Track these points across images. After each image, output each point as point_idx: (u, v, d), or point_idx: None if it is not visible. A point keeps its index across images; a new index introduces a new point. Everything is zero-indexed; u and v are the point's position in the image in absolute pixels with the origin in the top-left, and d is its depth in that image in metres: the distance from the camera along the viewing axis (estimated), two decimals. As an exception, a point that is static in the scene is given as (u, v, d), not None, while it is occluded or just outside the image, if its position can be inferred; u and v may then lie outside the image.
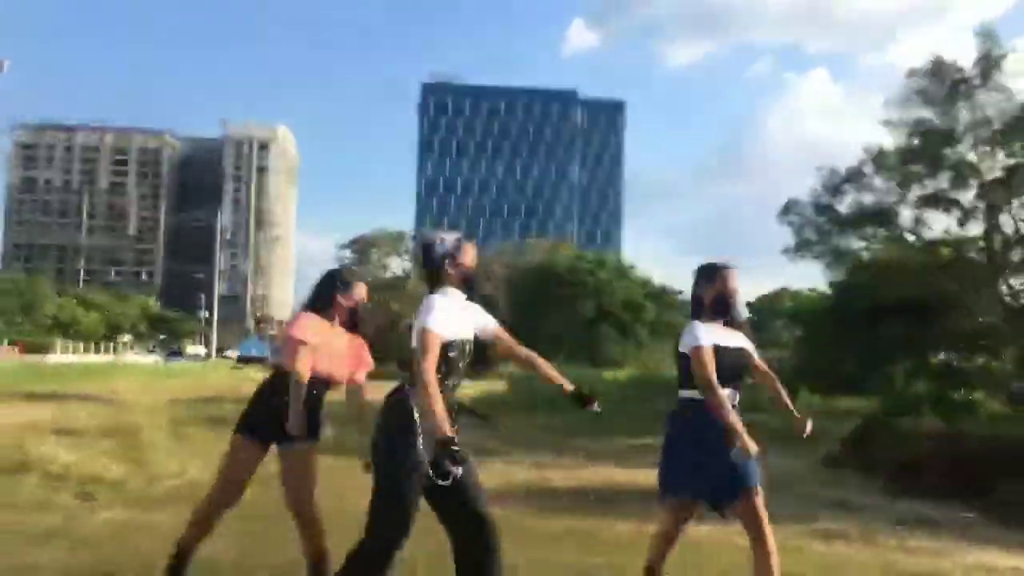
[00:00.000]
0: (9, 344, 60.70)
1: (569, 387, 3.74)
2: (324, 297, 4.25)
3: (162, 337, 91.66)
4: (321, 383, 4.16)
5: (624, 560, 5.01)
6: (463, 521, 3.41)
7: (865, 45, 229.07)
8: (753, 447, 3.66)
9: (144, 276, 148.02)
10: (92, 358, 54.03)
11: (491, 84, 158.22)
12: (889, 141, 19.36)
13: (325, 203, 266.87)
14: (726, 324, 4.02)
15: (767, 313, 68.06)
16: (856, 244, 20.58)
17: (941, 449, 9.87)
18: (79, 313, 79.65)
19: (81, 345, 70.03)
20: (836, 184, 19.65)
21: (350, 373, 4.26)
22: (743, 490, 3.79)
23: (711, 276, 4.05)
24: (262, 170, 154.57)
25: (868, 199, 19.51)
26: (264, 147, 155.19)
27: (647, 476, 8.39)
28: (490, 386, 27.98)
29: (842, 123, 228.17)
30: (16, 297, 74.55)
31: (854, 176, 19.37)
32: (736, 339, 4.00)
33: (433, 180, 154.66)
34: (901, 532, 6.67)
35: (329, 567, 4.01)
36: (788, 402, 4.13)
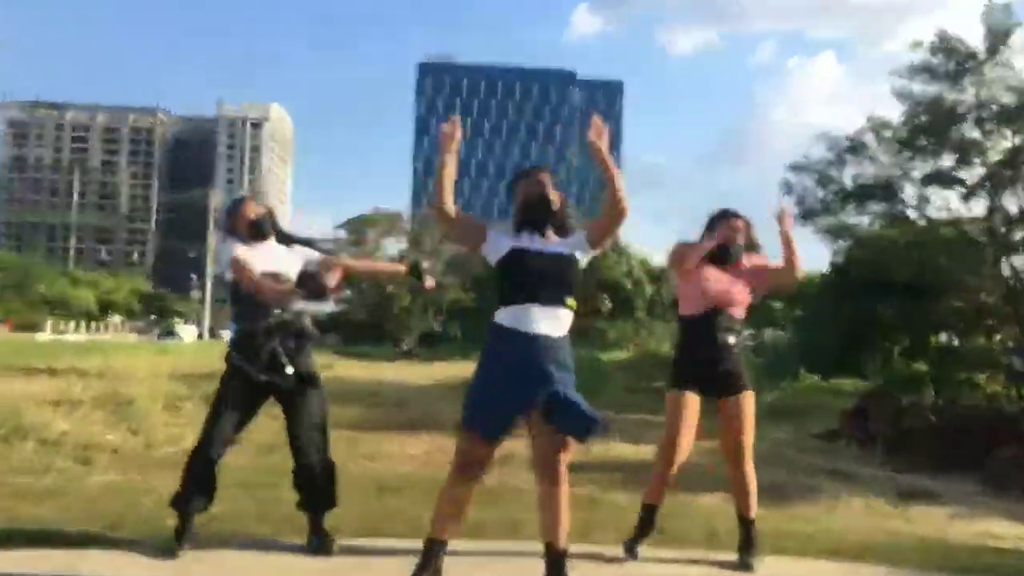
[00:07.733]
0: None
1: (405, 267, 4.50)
2: None
3: (153, 317, 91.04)
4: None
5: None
6: None
7: (872, 32, 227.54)
8: None
9: (136, 255, 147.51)
10: (82, 337, 53.68)
11: (488, 63, 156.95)
12: (895, 115, 19.15)
13: (323, 183, 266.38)
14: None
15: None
16: (859, 219, 20.34)
17: (942, 422, 9.84)
18: (69, 291, 79.23)
19: (72, 324, 69.65)
20: (838, 153, 19.37)
21: None
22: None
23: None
24: (255, 149, 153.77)
25: (870, 172, 19.26)
26: (257, 126, 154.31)
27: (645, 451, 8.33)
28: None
29: (848, 107, 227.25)
30: (7, 275, 74.21)
31: (857, 147, 19.11)
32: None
33: (430, 160, 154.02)
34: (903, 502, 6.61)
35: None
36: None
